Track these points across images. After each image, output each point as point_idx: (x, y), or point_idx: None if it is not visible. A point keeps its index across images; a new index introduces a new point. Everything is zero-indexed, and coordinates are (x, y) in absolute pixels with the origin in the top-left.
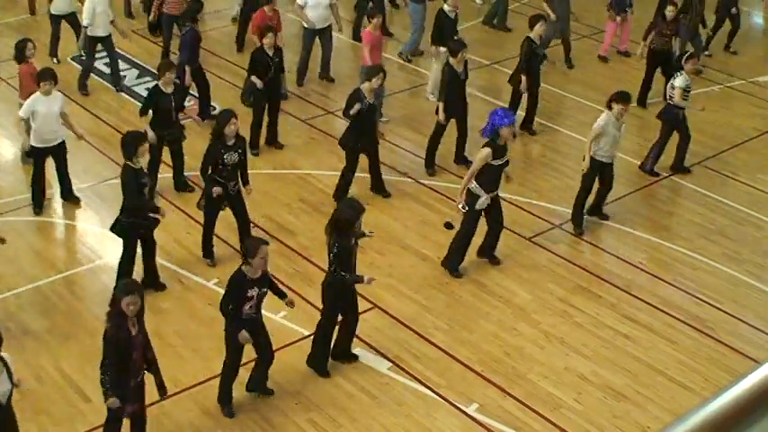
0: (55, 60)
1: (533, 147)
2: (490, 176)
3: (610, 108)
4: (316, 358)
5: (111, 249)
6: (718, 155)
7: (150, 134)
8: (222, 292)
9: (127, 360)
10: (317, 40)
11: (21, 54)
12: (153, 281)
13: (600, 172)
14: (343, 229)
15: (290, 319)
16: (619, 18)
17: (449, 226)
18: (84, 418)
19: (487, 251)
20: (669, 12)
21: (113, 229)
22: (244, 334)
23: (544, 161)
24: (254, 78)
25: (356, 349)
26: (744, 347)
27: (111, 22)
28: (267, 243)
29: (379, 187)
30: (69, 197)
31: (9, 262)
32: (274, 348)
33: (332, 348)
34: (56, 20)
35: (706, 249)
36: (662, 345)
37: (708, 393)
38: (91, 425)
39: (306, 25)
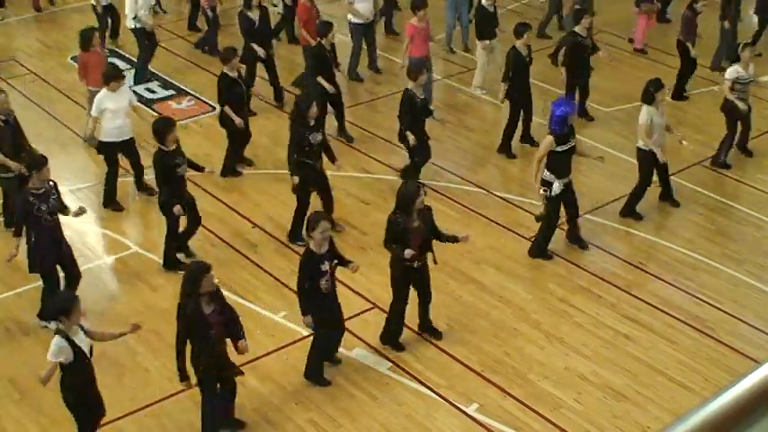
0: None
1: (534, 147)
2: (558, 163)
3: (649, 102)
4: (389, 335)
5: (111, 249)
6: (718, 155)
7: (238, 120)
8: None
9: (204, 337)
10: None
11: (87, 42)
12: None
13: (655, 161)
14: (404, 206)
15: (290, 319)
16: (642, 10)
17: (538, 219)
18: None
19: (572, 238)
20: (700, 6)
21: (161, 209)
22: (307, 320)
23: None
24: (321, 80)
25: (356, 349)
26: (744, 347)
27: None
28: (329, 218)
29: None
30: (142, 188)
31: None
32: (274, 348)
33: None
34: (103, 11)
35: (706, 249)
36: (662, 345)
37: (708, 393)
38: None
39: (355, 21)
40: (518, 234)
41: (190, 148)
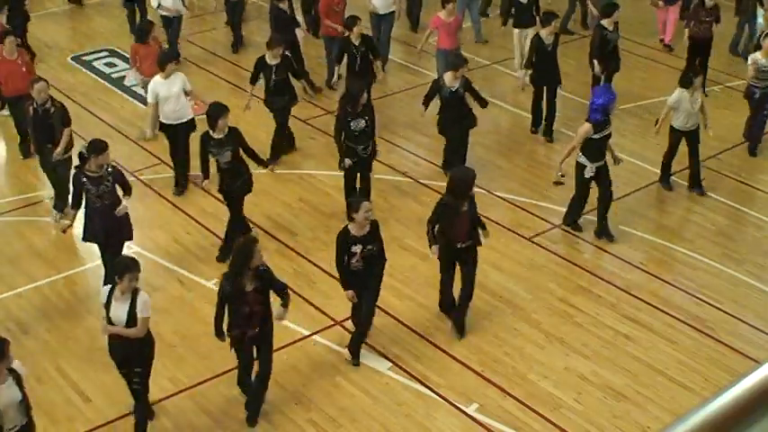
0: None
1: (535, 147)
2: (593, 148)
3: (687, 86)
4: (440, 304)
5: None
6: (718, 155)
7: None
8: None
9: (238, 313)
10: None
11: (146, 35)
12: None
13: (684, 138)
14: (460, 190)
15: (290, 319)
16: (661, 3)
17: (558, 183)
18: (84, 417)
19: (598, 226)
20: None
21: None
22: (349, 294)
23: (545, 161)
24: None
25: None
26: (744, 347)
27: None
28: (369, 201)
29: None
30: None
31: (9, 262)
32: (274, 348)
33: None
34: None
35: (706, 249)
36: (662, 345)
37: (708, 393)
38: (91, 425)
39: (372, 11)
40: (518, 234)
41: (190, 148)
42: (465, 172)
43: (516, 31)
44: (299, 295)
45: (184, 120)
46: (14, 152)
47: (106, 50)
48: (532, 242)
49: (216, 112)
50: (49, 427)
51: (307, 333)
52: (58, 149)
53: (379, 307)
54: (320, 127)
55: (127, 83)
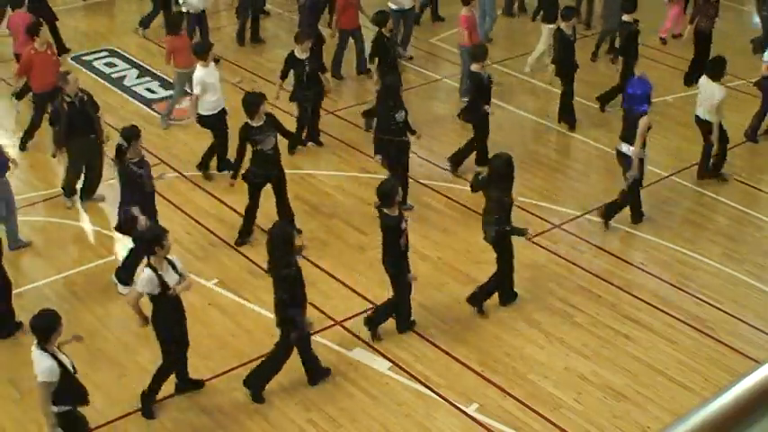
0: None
1: (536, 148)
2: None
3: (719, 78)
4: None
5: (111, 249)
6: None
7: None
8: (222, 291)
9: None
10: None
11: (177, 27)
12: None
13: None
14: (500, 180)
15: None
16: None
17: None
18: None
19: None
20: None
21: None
22: (409, 278)
23: (545, 162)
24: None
25: (356, 349)
26: (744, 347)
27: None
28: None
29: (481, 159)
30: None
31: (9, 262)
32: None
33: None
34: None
35: (706, 249)
36: (662, 345)
37: (708, 393)
38: (91, 425)
39: (394, 7)
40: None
41: (190, 148)
42: (504, 156)
43: (549, 26)
44: None
45: (222, 107)
46: (14, 152)
47: (106, 50)
48: (532, 242)
49: (256, 99)
50: None
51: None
52: (104, 136)
53: (379, 307)
54: (320, 127)
55: (163, 124)
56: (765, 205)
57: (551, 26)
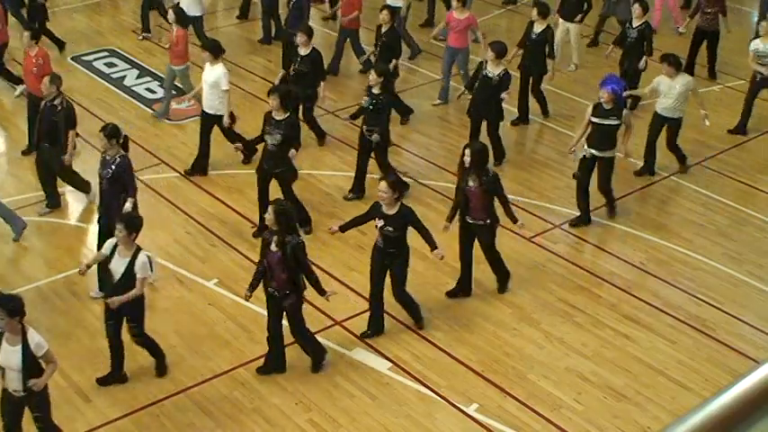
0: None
1: (535, 147)
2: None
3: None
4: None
5: None
6: (718, 155)
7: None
8: (221, 291)
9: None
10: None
11: (187, 21)
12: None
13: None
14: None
15: None
16: None
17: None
18: (84, 418)
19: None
20: None
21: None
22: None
23: (545, 161)
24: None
25: (356, 349)
26: (744, 347)
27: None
28: (385, 180)
29: (497, 154)
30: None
31: (9, 262)
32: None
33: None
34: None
35: (706, 249)
36: (662, 345)
37: (708, 393)
38: (91, 425)
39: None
40: (518, 234)
41: (190, 148)
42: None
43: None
44: None
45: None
46: (14, 152)
47: (106, 50)
48: (532, 242)
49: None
50: None
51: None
52: (66, 155)
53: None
54: (320, 127)
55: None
56: (765, 205)
57: (562, 22)
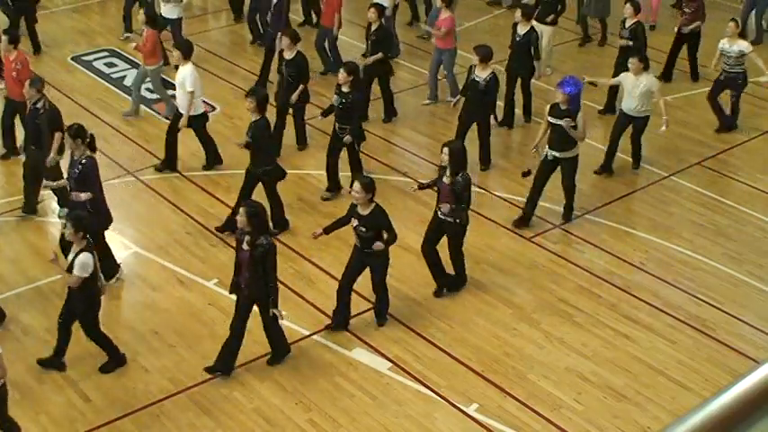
0: (125, 36)
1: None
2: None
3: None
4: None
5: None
6: (718, 155)
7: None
8: (222, 291)
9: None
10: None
11: (156, 20)
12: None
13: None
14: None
15: (290, 319)
16: None
17: (526, 174)
18: (84, 418)
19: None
20: None
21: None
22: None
23: None
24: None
25: (356, 349)
26: (744, 347)
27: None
28: (359, 180)
29: (484, 158)
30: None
31: (9, 262)
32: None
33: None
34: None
35: (706, 249)
36: (662, 345)
37: (708, 393)
38: (91, 425)
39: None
40: (518, 234)
41: (190, 148)
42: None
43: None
44: (299, 295)
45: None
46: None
47: (106, 50)
48: (532, 242)
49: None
50: (49, 427)
51: (307, 333)
52: (50, 157)
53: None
54: (320, 127)
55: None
56: (765, 205)
57: (543, 26)
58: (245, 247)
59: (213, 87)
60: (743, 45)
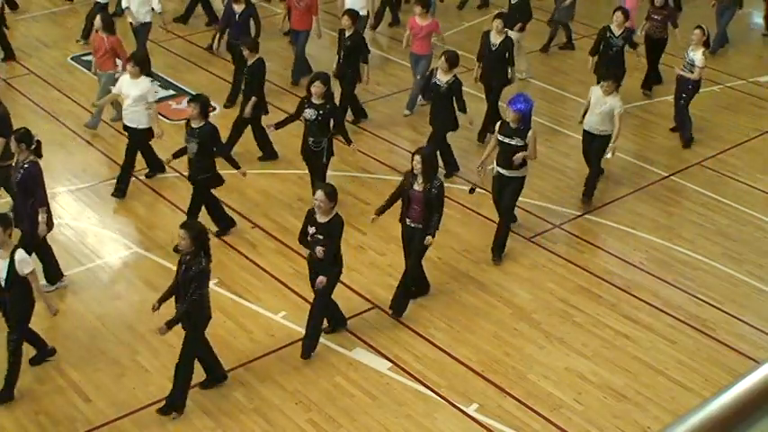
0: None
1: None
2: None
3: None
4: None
5: (111, 249)
6: (718, 155)
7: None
8: (222, 291)
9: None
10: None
11: (112, 26)
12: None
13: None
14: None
15: (289, 319)
16: None
17: (472, 191)
18: (84, 418)
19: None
20: None
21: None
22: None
23: (545, 161)
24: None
25: (356, 349)
26: (744, 347)
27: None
28: (323, 189)
29: (450, 164)
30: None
31: None
32: (274, 348)
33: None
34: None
35: (706, 249)
36: (662, 345)
37: (708, 393)
38: (91, 425)
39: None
40: (518, 234)
41: None
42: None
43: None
44: (299, 295)
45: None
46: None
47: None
48: (532, 242)
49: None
50: (49, 427)
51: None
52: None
53: (379, 307)
54: None
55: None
56: (765, 205)
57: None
58: (183, 267)
59: (213, 87)
60: (697, 56)
